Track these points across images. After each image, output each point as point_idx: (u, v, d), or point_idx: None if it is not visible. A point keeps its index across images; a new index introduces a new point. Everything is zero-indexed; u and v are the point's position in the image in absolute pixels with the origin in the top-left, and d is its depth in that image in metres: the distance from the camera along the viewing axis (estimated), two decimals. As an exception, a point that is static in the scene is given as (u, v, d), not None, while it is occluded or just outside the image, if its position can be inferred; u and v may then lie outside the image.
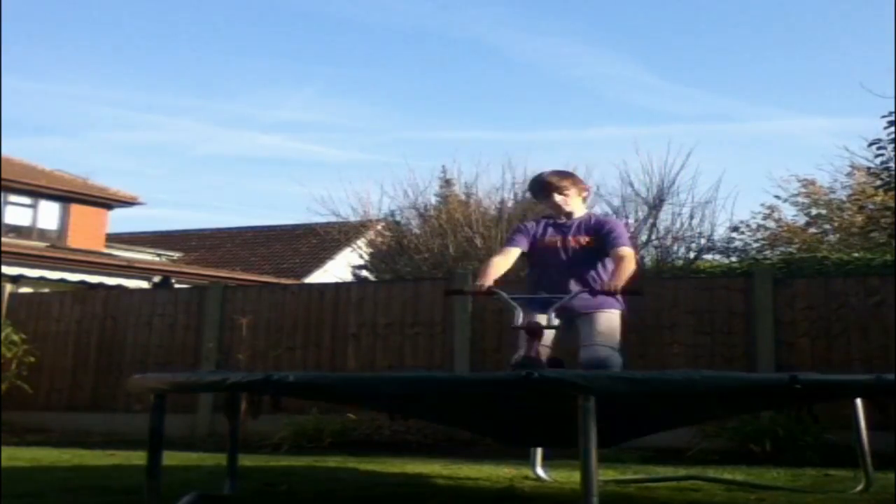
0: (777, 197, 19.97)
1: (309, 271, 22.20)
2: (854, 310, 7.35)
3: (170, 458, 4.20)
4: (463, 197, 15.21)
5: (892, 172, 12.25)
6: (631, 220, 12.99)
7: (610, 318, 4.10)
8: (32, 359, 9.38)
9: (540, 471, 4.72)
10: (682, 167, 13.21)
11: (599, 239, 4.18)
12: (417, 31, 38.57)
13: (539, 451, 4.74)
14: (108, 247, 21.02)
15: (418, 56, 39.31)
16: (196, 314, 9.26)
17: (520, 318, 3.86)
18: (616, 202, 13.41)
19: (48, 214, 20.33)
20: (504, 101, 38.76)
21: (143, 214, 54.52)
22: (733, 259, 15.89)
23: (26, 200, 19.97)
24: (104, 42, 39.94)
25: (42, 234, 19.96)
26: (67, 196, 20.57)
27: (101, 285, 15.63)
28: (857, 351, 7.26)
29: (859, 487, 4.19)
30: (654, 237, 12.97)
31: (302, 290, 9.91)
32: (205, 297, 9.36)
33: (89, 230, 20.72)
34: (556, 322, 3.82)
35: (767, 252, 17.79)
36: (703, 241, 13.60)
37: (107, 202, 21.67)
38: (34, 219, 20.12)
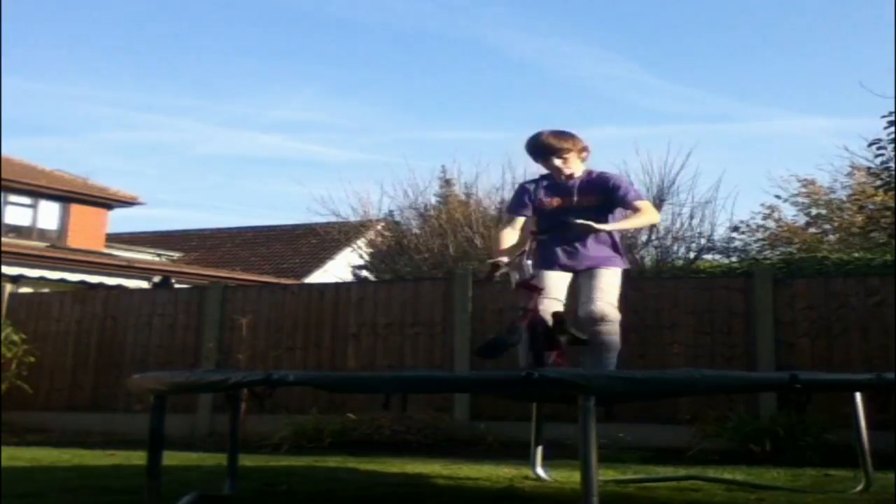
0: (777, 197, 19.98)
1: (309, 271, 22.20)
2: (854, 310, 7.35)
3: (170, 458, 4.20)
4: (463, 197, 15.21)
5: (892, 172, 12.25)
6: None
7: (612, 275, 4.06)
8: (32, 359, 9.38)
9: (540, 470, 4.72)
10: (682, 167, 13.19)
11: (607, 197, 4.13)
12: (417, 31, 38.59)
13: (539, 450, 4.74)
14: (108, 247, 21.01)
15: (418, 56, 39.33)
16: (196, 314, 9.26)
17: (524, 276, 3.90)
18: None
19: (48, 214, 20.31)
20: (504, 101, 38.76)
21: (143, 214, 54.50)
22: (733, 259, 15.89)
23: (26, 200, 19.96)
24: (104, 42, 39.96)
25: (42, 234, 19.95)
26: (67, 196, 20.56)
27: (101, 285, 15.63)
28: (857, 351, 7.26)
29: (859, 487, 4.19)
30: (654, 237, 12.95)
31: (302, 290, 9.91)
32: (205, 297, 9.36)
33: (89, 230, 20.71)
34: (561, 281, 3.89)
35: (767, 252, 17.79)
36: (703, 241, 13.59)
37: (107, 202, 21.66)
38: (34, 219, 20.11)
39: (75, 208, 20.67)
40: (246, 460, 5.03)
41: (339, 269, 18.52)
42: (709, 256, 14.57)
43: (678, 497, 4.22)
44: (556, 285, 4.02)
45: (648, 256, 12.86)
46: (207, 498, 3.95)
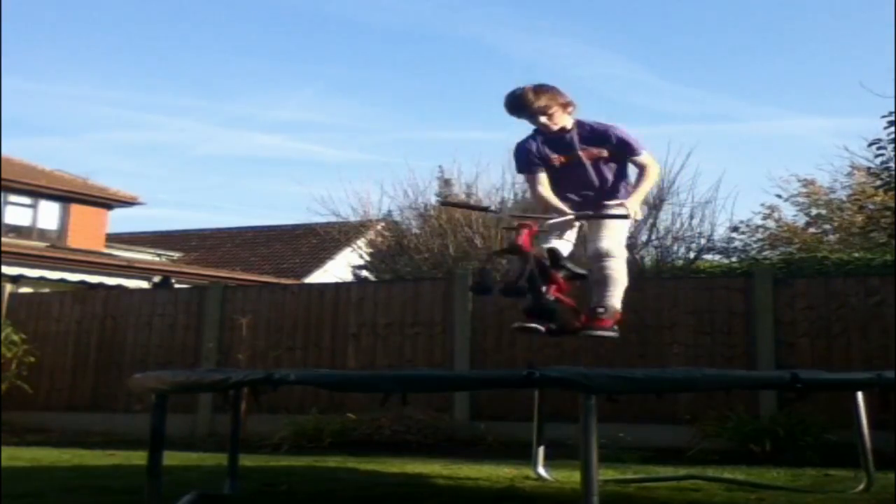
0: (777, 196, 19.97)
1: (309, 271, 22.18)
2: (854, 310, 7.35)
3: (170, 458, 4.20)
4: (463, 197, 15.19)
5: (892, 172, 12.24)
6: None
7: (620, 222, 3.99)
8: (32, 359, 9.38)
9: (541, 470, 4.72)
10: (682, 167, 13.19)
11: (612, 151, 4.03)
12: (417, 31, 38.59)
13: (541, 450, 4.74)
14: (108, 247, 21.00)
15: (418, 56, 39.34)
16: (196, 314, 9.27)
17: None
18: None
19: (48, 214, 20.31)
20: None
21: (143, 214, 54.51)
22: (733, 259, 15.87)
23: (26, 200, 19.95)
24: (104, 42, 39.95)
25: (42, 234, 19.94)
26: (67, 196, 20.55)
27: (101, 285, 15.61)
28: (857, 351, 7.27)
29: (860, 486, 4.19)
30: (654, 237, 12.95)
31: (302, 290, 9.91)
32: (205, 297, 9.36)
33: (89, 230, 20.70)
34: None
35: (767, 252, 17.77)
36: (703, 241, 13.58)
37: (107, 202, 21.65)
38: (34, 219, 20.10)
39: (75, 208, 20.66)
40: (246, 460, 5.03)
41: (339, 269, 18.51)
42: (709, 256, 14.57)
43: (678, 497, 4.22)
44: (562, 227, 3.93)
45: (648, 256, 12.86)
46: (208, 498, 3.95)
